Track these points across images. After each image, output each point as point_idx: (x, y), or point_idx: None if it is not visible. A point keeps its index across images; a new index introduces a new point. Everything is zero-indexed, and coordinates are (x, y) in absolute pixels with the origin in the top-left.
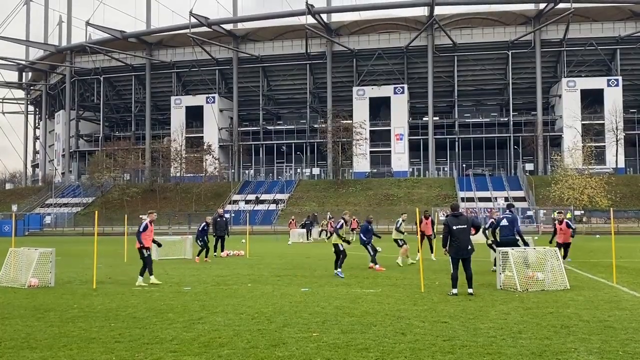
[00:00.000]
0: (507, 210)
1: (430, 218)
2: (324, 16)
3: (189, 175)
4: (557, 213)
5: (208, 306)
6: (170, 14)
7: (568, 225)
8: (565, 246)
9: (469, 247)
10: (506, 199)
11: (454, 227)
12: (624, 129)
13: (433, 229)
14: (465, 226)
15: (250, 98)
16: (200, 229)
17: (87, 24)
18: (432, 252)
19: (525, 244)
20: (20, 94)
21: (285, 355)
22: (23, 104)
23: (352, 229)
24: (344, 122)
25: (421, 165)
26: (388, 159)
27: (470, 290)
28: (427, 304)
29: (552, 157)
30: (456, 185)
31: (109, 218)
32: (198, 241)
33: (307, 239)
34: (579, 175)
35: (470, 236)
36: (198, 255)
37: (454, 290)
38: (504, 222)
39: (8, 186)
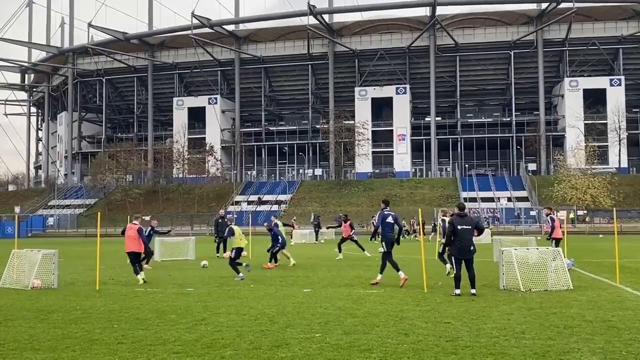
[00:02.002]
0: (387, 207)
1: (349, 222)
2: (326, 17)
3: (191, 176)
4: (550, 209)
5: (211, 307)
6: (172, 15)
7: (548, 221)
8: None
9: (472, 247)
10: (509, 199)
11: (459, 227)
12: (627, 129)
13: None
14: (470, 227)
15: (252, 99)
16: (145, 234)
17: (89, 25)
18: (363, 250)
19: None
20: (22, 95)
21: (287, 356)
22: (25, 105)
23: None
24: (346, 122)
25: (423, 165)
26: (390, 160)
27: (473, 291)
28: (430, 305)
29: (555, 157)
30: (459, 186)
31: (111, 219)
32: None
33: (317, 240)
34: (582, 175)
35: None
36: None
37: (457, 291)
38: (390, 220)
39: (11, 188)
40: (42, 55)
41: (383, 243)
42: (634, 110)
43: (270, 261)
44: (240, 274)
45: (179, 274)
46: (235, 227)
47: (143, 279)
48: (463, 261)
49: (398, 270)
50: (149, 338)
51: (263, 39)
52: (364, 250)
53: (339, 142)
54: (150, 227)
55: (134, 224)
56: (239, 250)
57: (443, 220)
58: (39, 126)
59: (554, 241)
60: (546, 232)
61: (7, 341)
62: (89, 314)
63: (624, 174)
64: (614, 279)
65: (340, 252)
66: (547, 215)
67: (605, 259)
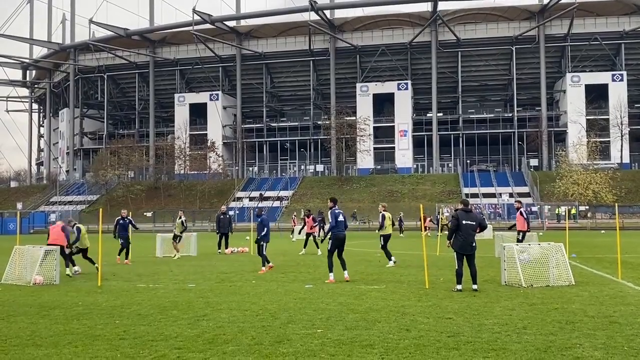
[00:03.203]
0: (335, 205)
1: (312, 217)
2: (327, 12)
3: (193, 172)
4: (520, 203)
5: (212, 303)
6: (174, 11)
7: (522, 214)
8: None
9: (473, 244)
10: (510, 195)
11: (463, 222)
12: (629, 124)
13: (322, 227)
14: (474, 223)
15: (253, 95)
16: (116, 223)
17: (91, 21)
18: (317, 248)
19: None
20: (24, 92)
21: (289, 351)
22: (27, 102)
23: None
24: (348, 118)
25: (425, 161)
26: (392, 156)
27: (474, 287)
28: (432, 300)
29: (557, 153)
30: (460, 182)
31: (113, 215)
32: (119, 239)
33: (318, 236)
34: (584, 170)
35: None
36: (119, 255)
37: (459, 287)
38: (341, 218)
39: (13, 184)
40: (43, 52)
41: (330, 241)
42: (636, 105)
43: (263, 265)
44: (76, 268)
45: (180, 270)
46: (81, 226)
47: (68, 274)
48: (465, 257)
49: (331, 271)
50: (150, 334)
51: (264, 34)
52: (318, 247)
53: (340, 138)
54: (120, 217)
55: (63, 221)
56: (84, 251)
57: (383, 215)
58: (41, 122)
59: (521, 233)
60: (513, 227)
61: (9, 337)
62: (91, 309)
63: (626, 170)
64: (616, 274)
65: (305, 247)
66: (517, 209)
67: (607, 255)
